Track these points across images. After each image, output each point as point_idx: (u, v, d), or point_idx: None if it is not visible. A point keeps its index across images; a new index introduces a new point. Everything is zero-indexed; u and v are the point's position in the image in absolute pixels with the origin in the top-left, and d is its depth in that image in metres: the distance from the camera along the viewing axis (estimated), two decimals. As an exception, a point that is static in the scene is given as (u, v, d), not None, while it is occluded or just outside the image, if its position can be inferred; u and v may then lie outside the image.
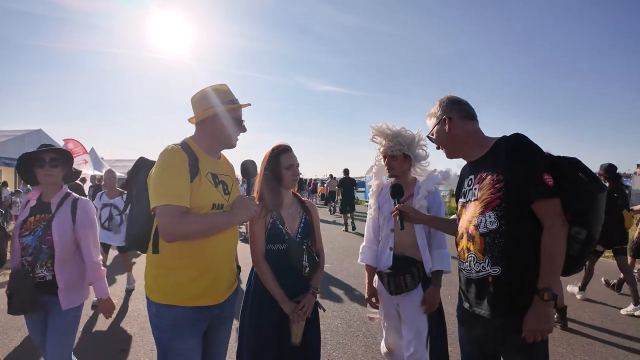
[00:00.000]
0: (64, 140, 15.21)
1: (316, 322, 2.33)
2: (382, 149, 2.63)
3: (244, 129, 1.94)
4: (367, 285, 2.70)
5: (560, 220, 1.58)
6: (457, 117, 1.88)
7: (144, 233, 1.85)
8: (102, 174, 16.47)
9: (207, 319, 1.85)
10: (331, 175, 23.20)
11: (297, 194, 2.48)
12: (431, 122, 1.99)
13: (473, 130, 1.89)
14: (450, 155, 1.97)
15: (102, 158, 20.03)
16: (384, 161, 2.63)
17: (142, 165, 1.95)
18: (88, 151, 16.22)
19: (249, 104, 1.95)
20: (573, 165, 1.66)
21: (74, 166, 2.58)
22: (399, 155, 2.55)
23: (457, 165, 2.36)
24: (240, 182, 7.13)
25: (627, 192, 13.72)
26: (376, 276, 2.70)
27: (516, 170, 1.63)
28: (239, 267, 2.02)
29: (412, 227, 2.47)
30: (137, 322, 4.47)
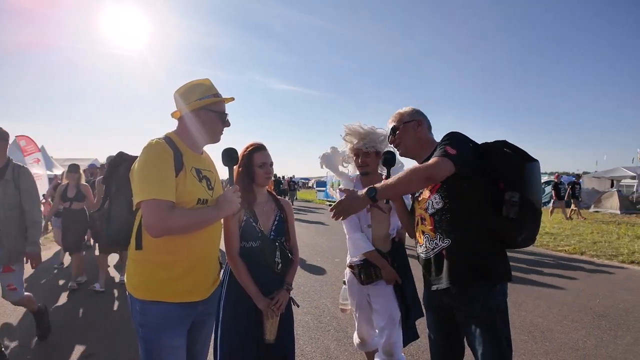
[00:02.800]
0: (16, 136, 14.33)
1: (290, 318, 2.38)
2: (354, 146, 2.73)
3: (228, 124, 1.94)
4: (382, 267, 2.62)
5: (425, 167, 1.75)
6: (425, 125, 2.12)
7: (126, 230, 1.81)
8: (54, 173, 15.74)
9: (193, 315, 1.85)
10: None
11: (273, 192, 2.52)
12: (402, 119, 2.13)
13: (431, 140, 2.11)
14: (405, 153, 2.17)
15: (51, 157, 19.00)
16: (356, 159, 2.74)
17: (121, 161, 1.91)
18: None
19: (233, 99, 1.95)
20: (500, 143, 1.88)
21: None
22: (372, 152, 2.68)
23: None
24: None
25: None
26: (347, 269, 2.83)
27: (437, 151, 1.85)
28: (220, 264, 2.02)
29: (387, 221, 2.60)
30: (109, 323, 4.34)
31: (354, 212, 1.86)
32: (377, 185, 1.77)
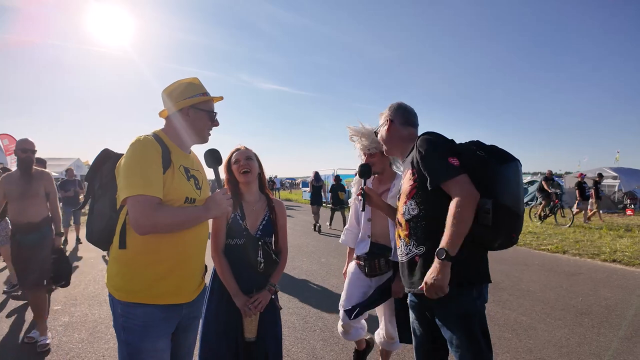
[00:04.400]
0: None
1: (274, 317, 2.37)
2: (360, 146, 2.76)
3: (216, 123, 1.90)
4: (347, 263, 3.03)
5: (467, 192, 1.70)
6: (397, 122, 2.16)
7: (109, 228, 1.75)
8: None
9: (177, 318, 1.80)
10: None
11: (269, 192, 2.54)
12: (380, 121, 2.26)
13: (407, 135, 2.14)
14: (386, 151, 2.27)
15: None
16: (365, 159, 2.75)
17: (107, 158, 1.86)
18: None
19: (222, 98, 1.93)
20: (474, 145, 1.85)
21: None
22: (376, 152, 2.68)
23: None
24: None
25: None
26: (353, 261, 2.91)
27: (422, 162, 1.83)
28: (205, 267, 1.99)
29: (385, 218, 2.64)
30: (85, 328, 4.24)
31: None
32: (443, 244, 1.66)
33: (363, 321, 2.97)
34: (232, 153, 2.41)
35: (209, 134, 1.91)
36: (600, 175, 15.98)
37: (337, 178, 13.50)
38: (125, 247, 1.68)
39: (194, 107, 1.81)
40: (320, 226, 12.33)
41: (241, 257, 2.27)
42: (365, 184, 2.48)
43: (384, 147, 2.24)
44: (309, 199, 14.24)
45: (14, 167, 13.50)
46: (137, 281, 1.68)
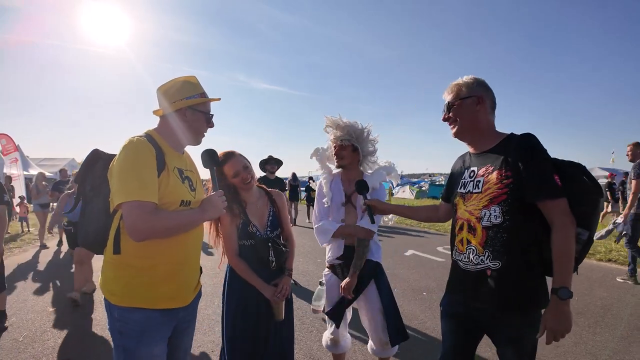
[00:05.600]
0: None
1: (289, 312, 2.50)
2: (332, 137, 2.73)
3: (212, 125, 1.87)
4: (348, 231, 2.66)
5: (570, 220, 1.60)
6: (488, 104, 1.84)
7: (102, 232, 1.70)
8: (31, 174, 15.36)
9: (174, 322, 1.78)
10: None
11: (263, 186, 2.57)
12: (460, 92, 1.86)
13: (492, 123, 1.88)
14: (460, 134, 1.91)
15: (27, 156, 18.48)
16: (334, 150, 2.72)
17: (97, 159, 1.80)
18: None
19: (219, 99, 1.88)
20: (580, 170, 1.69)
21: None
22: (348, 145, 2.67)
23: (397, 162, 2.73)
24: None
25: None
26: (325, 270, 2.85)
27: (527, 169, 1.64)
28: (200, 269, 1.97)
29: (356, 216, 2.64)
30: (79, 331, 4.21)
31: None
32: (561, 283, 1.56)
33: (348, 334, 2.93)
34: (227, 161, 2.33)
35: (204, 136, 1.89)
36: (627, 175, 15.34)
37: (310, 179, 16.67)
38: (120, 253, 1.64)
39: (191, 108, 1.78)
40: (295, 219, 13.97)
41: (252, 256, 2.36)
42: (365, 198, 2.42)
43: (459, 127, 1.88)
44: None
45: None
46: (134, 286, 1.65)
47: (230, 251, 2.37)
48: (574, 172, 1.68)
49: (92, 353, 3.66)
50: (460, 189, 1.91)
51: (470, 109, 1.83)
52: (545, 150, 1.68)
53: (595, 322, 4.38)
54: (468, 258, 1.80)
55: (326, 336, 2.89)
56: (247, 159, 2.40)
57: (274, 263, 2.36)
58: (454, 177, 2.01)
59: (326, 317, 2.83)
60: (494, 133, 1.85)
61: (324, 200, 2.79)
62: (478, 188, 1.78)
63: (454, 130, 1.89)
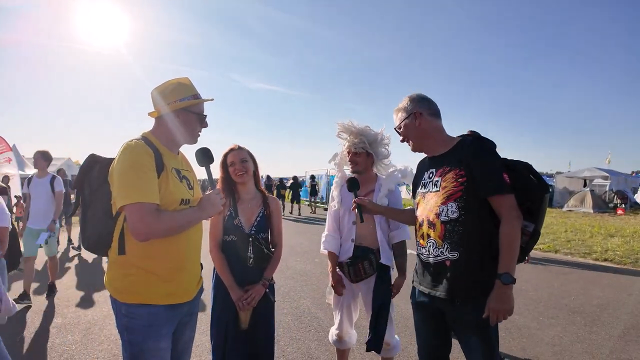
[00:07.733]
0: None
1: (266, 309, 2.47)
2: (347, 144, 2.74)
3: (205, 125, 1.91)
4: (331, 273, 2.75)
5: (517, 214, 1.77)
6: (426, 114, 2.01)
7: (105, 234, 1.74)
8: (27, 173, 15.27)
9: (179, 317, 1.83)
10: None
11: (263, 190, 2.61)
12: (399, 117, 2.09)
13: (438, 127, 2.04)
14: (416, 148, 2.09)
15: (23, 156, 18.40)
16: (348, 156, 2.73)
17: (94, 163, 1.84)
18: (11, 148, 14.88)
19: (212, 99, 1.92)
20: (526, 168, 1.88)
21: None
22: (362, 152, 2.67)
23: (414, 163, 2.58)
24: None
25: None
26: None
27: (479, 167, 1.81)
28: (201, 264, 2.00)
29: (372, 219, 2.62)
30: (78, 330, 4.21)
31: None
32: (504, 269, 1.72)
33: (354, 330, 2.93)
34: (227, 153, 2.48)
35: (199, 135, 1.92)
36: None
37: (312, 177, 20.15)
38: (125, 253, 1.70)
39: (185, 110, 1.81)
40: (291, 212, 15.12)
41: (234, 252, 2.39)
42: (356, 196, 2.45)
43: (411, 143, 2.08)
44: (304, 197, 18.54)
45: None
46: (139, 284, 1.70)
47: (213, 240, 2.42)
48: (522, 171, 1.87)
49: (96, 350, 3.67)
50: (421, 189, 2.08)
51: (412, 126, 2.02)
52: (495, 151, 1.88)
53: (592, 320, 4.42)
54: (428, 251, 1.95)
55: (332, 332, 2.91)
56: (251, 156, 2.50)
57: (251, 259, 2.37)
58: (416, 179, 2.19)
59: (335, 314, 2.84)
60: (445, 137, 2.03)
61: (332, 204, 2.83)
62: (436, 187, 1.94)
63: (411, 147, 2.10)
